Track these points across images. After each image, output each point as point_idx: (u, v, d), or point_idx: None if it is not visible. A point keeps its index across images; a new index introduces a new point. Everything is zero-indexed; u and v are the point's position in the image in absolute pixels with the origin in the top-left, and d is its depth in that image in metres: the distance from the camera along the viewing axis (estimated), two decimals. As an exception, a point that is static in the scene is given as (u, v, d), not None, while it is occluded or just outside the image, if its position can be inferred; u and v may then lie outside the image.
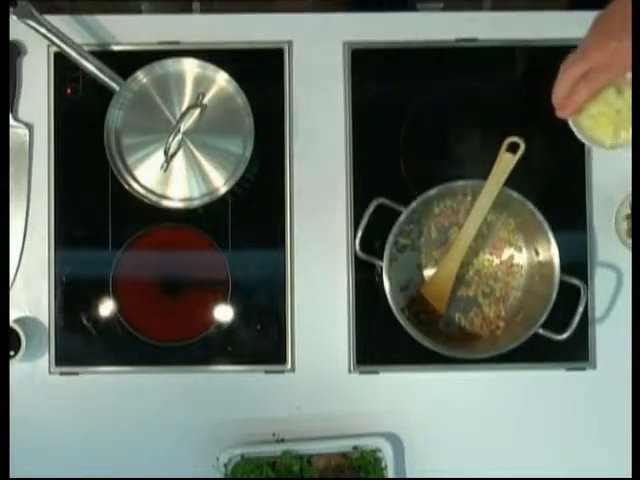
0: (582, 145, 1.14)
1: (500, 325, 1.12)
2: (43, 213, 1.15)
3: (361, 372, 1.14)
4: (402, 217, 1.06)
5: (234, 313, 1.15)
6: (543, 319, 1.04)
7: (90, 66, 1.08)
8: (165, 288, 1.16)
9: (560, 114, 0.98)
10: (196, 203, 1.10)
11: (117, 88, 1.08)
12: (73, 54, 1.07)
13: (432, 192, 1.06)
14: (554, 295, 1.04)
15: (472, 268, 1.13)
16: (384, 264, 1.05)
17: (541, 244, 1.08)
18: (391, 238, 1.06)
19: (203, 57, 1.13)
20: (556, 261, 1.05)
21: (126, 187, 1.09)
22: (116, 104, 1.09)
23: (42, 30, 1.06)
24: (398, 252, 1.11)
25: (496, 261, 1.13)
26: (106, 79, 1.08)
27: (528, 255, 1.12)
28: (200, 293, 1.16)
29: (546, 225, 1.05)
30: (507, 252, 1.13)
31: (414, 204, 1.06)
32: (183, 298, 1.16)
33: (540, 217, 1.05)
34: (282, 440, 1.13)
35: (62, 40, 1.07)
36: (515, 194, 1.05)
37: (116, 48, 1.16)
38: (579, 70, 0.95)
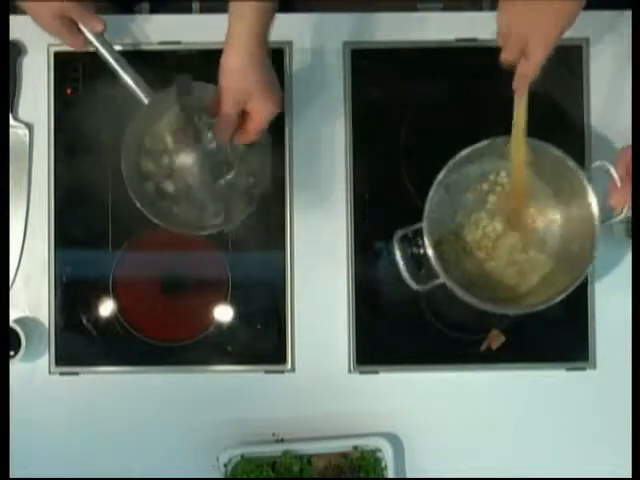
0: (582, 144, 1.15)
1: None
2: (43, 213, 1.15)
3: (361, 372, 1.14)
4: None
5: (234, 313, 1.15)
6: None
7: (123, 74, 1.06)
8: (165, 288, 1.16)
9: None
10: (196, 203, 1.10)
11: (145, 100, 1.07)
12: (110, 60, 1.06)
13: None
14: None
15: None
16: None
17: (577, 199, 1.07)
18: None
19: (203, 57, 1.13)
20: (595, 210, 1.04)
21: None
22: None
23: (84, 30, 1.05)
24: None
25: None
26: (138, 91, 1.06)
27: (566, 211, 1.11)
28: (200, 293, 1.16)
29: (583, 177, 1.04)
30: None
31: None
32: (183, 298, 1.16)
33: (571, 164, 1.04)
34: (282, 440, 1.13)
35: (101, 43, 1.06)
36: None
37: (116, 48, 1.15)
38: None
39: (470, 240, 1.11)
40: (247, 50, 0.95)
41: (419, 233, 1.05)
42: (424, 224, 1.03)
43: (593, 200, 1.04)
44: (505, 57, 0.98)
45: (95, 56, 1.08)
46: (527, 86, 1.00)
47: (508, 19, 0.96)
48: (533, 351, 1.14)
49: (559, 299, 1.03)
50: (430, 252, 1.03)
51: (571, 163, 1.05)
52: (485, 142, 1.04)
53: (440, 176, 1.04)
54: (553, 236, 1.12)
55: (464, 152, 1.04)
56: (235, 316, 1.15)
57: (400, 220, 1.09)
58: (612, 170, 1.03)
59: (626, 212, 1.03)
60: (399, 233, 1.06)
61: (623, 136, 1.13)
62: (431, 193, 1.04)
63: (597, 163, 1.05)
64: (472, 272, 1.11)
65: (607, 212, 1.04)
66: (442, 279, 1.03)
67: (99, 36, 1.06)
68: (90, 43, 1.06)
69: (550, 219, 1.12)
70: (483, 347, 1.13)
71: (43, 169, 1.16)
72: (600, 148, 1.15)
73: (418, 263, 1.11)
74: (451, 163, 1.04)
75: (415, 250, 1.11)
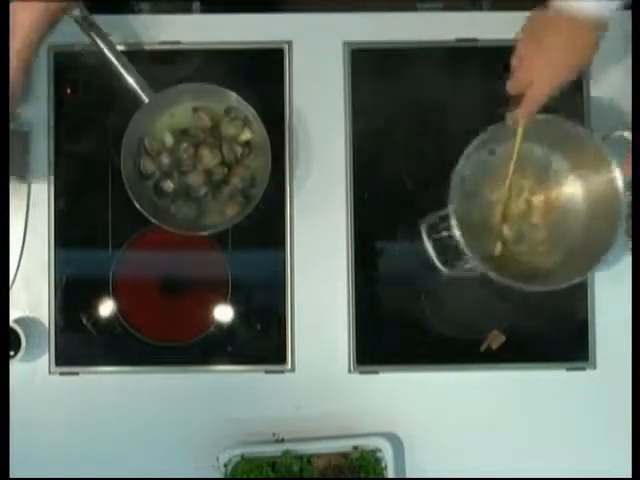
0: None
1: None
2: (43, 213, 1.15)
3: (361, 372, 1.14)
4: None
5: (234, 313, 1.15)
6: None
7: (125, 73, 1.06)
8: (165, 288, 1.16)
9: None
10: (196, 203, 1.10)
11: (147, 100, 1.07)
12: (112, 58, 1.06)
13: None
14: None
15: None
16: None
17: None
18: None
19: (203, 57, 1.13)
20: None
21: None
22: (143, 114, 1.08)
23: (86, 28, 1.05)
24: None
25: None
26: (138, 89, 1.07)
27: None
28: (200, 293, 1.16)
29: (604, 150, 1.03)
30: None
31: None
32: (183, 298, 1.16)
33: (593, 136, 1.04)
34: (282, 440, 1.13)
35: (103, 42, 1.06)
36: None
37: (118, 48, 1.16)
38: None
39: (493, 221, 1.11)
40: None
41: (442, 220, 1.05)
42: (450, 209, 1.03)
43: (617, 173, 1.04)
44: (509, 89, 1.00)
45: (95, 56, 1.08)
46: (524, 121, 1.01)
47: (521, 53, 0.98)
48: (533, 351, 1.14)
49: (583, 277, 1.03)
50: (458, 235, 1.02)
51: (593, 136, 1.04)
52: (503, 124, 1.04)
53: (460, 165, 1.04)
54: (576, 214, 1.11)
55: (482, 135, 1.04)
56: (235, 316, 1.15)
57: (401, 219, 1.09)
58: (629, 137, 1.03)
59: None
60: (427, 221, 1.06)
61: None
62: (458, 167, 1.04)
63: (617, 133, 1.05)
64: (496, 252, 1.11)
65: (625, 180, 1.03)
66: (472, 261, 1.03)
67: (101, 34, 1.06)
68: (93, 42, 1.06)
69: (570, 194, 1.11)
70: (483, 347, 1.13)
71: (43, 169, 1.16)
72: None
73: (443, 250, 1.10)
74: (475, 143, 1.04)
75: (437, 237, 1.11)
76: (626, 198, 1.09)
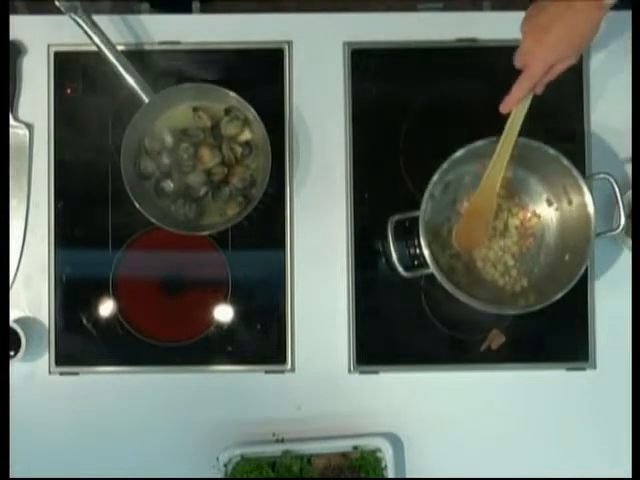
0: (581, 145, 1.15)
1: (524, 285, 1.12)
2: (43, 213, 1.15)
3: (361, 372, 1.14)
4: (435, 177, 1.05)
5: (234, 313, 1.15)
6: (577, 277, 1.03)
7: (125, 73, 1.07)
8: (165, 288, 1.16)
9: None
10: (196, 203, 1.10)
11: (147, 100, 1.08)
12: (112, 59, 1.07)
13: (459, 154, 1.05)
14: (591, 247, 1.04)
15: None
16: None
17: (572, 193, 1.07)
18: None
19: (203, 57, 1.13)
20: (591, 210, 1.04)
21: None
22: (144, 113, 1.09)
23: (86, 28, 1.06)
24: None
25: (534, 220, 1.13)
26: (138, 89, 1.07)
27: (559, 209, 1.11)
28: (200, 293, 1.16)
29: (575, 171, 1.04)
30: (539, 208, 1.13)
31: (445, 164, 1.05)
32: (183, 298, 1.16)
33: (567, 163, 1.04)
34: (282, 440, 1.13)
35: (103, 42, 1.07)
36: (547, 148, 1.05)
37: (117, 48, 1.16)
38: None
39: None
40: None
41: (412, 222, 1.06)
42: (420, 214, 1.04)
43: (589, 200, 1.04)
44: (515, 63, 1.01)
45: (95, 56, 1.09)
46: (514, 104, 1.02)
47: (526, 47, 0.99)
48: (533, 351, 1.14)
49: (544, 305, 1.04)
50: (422, 241, 1.03)
51: (566, 162, 1.04)
52: (481, 142, 1.04)
53: (435, 177, 1.05)
54: (547, 246, 1.12)
55: (459, 152, 1.04)
56: (235, 316, 1.15)
57: (401, 219, 1.08)
58: (614, 183, 1.04)
59: (623, 226, 1.04)
60: (394, 218, 1.06)
61: (623, 136, 1.14)
62: (427, 193, 1.05)
63: (601, 175, 1.05)
64: (464, 269, 1.12)
65: (605, 225, 1.05)
66: (431, 269, 1.03)
67: (101, 34, 1.07)
68: (93, 42, 1.07)
69: (544, 223, 1.12)
70: (483, 347, 1.13)
71: (43, 169, 1.16)
72: (600, 149, 1.15)
73: (414, 253, 1.11)
74: (446, 164, 1.04)
75: (410, 240, 1.11)
76: (626, 199, 1.10)
